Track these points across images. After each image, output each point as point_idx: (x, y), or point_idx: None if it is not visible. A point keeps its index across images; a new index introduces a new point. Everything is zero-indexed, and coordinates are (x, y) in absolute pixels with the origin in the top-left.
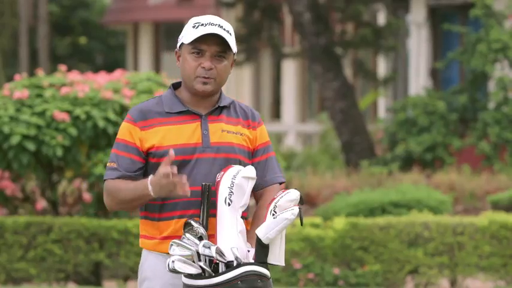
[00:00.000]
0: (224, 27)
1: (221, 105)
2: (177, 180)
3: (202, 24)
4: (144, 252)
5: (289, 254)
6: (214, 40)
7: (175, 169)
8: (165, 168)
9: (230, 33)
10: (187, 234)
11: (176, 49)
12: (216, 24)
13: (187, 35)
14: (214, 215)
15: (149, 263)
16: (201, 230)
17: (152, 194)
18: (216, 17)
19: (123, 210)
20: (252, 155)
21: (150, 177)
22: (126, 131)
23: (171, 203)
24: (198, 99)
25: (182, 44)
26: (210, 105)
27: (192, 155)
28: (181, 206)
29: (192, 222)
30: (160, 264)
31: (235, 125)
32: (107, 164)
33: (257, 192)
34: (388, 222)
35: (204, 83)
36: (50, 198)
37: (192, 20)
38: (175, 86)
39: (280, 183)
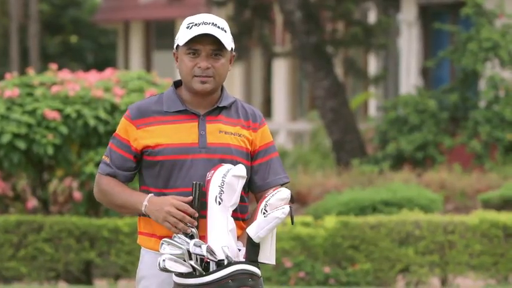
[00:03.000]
0: (218, 24)
1: (221, 105)
2: (188, 220)
3: (196, 24)
4: (141, 251)
5: (280, 252)
6: (209, 39)
7: (191, 210)
8: (181, 202)
9: (225, 30)
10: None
11: (174, 50)
12: (209, 23)
13: (182, 36)
14: (205, 216)
15: (146, 262)
16: (192, 229)
17: (144, 210)
18: (210, 15)
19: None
20: (253, 157)
21: (150, 195)
22: (123, 127)
23: None
24: (198, 98)
25: (178, 45)
26: (210, 105)
27: (187, 155)
28: None
29: None
30: (156, 263)
31: (234, 125)
32: (103, 157)
33: (258, 195)
34: (378, 221)
35: (203, 82)
36: (41, 197)
37: (186, 20)
38: (177, 84)
39: (283, 184)
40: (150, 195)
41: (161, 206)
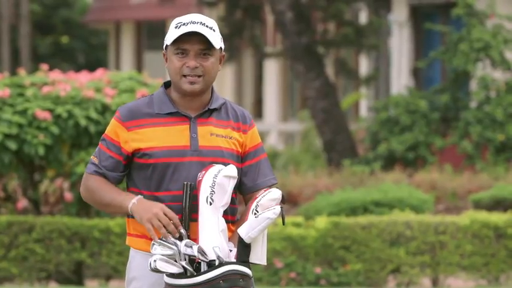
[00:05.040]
0: (207, 24)
1: (211, 107)
2: (172, 228)
3: (184, 24)
4: (131, 252)
5: (271, 253)
6: (197, 38)
7: (177, 221)
8: (170, 210)
9: (214, 30)
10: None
11: (163, 51)
12: (197, 22)
13: (170, 35)
14: (196, 220)
15: (136, 263)
16: (181, 230)
17: (130, 208)
18: (199, 14)
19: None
20: (242, 159)
21: (140, 196)
22: (112, 129)
23: None
24: (188, 99)
25: (167, 45)
26: (201, 107)
27: (179, 158)
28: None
29: None
30: (147, 264)
31: (225, 128)
32: (91, 157)
33: (247, 196)
34: (369, 221)
35: (191, 83)
36: (32, 197)
37: (175, 20)
38: (167, 85)
39: (271, 186)
40: (140, 196)
41: (150, 207)
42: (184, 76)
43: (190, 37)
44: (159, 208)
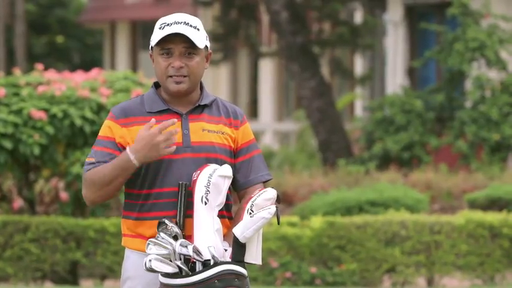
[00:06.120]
0: (191, 23)
1: (202, 103)
2: (174, 131)
3: (168, 24)
4: (126, 252)
5: (266, 252)
6: (181, 38)
7: (168, 123)
8: (158, 126)
9: (198, 29)
10: (162, 234)
11: (150, 52)
12: (181, 22)
13: (155, 36)
14: (191, 216)
15: (131, 262)
16: (176, 229)
17: (135, 161)
18: (183, 14)
19: (104, 199)
20: (235, 155)
21: (127, 147)
22: (106, 128)
23: (152, 203)
24: (177, 98)
25: (152, 46)
26: (191, 104)
27: (172, 155)
28: (163, 206)
29: (166, 221)
30: (142, 264)
31: (217, 123)
32: (86, 160)
33: (241, 193)
34: (365, 221)
35: (177, 83)
36: (27, 197)
37: (159, 20)
38: (158, 85)
39: (265, 182)
40: (128, 147)
41: (141, 139)
42: (170, 77)
43: (175, 37)
44: (152, 136)
